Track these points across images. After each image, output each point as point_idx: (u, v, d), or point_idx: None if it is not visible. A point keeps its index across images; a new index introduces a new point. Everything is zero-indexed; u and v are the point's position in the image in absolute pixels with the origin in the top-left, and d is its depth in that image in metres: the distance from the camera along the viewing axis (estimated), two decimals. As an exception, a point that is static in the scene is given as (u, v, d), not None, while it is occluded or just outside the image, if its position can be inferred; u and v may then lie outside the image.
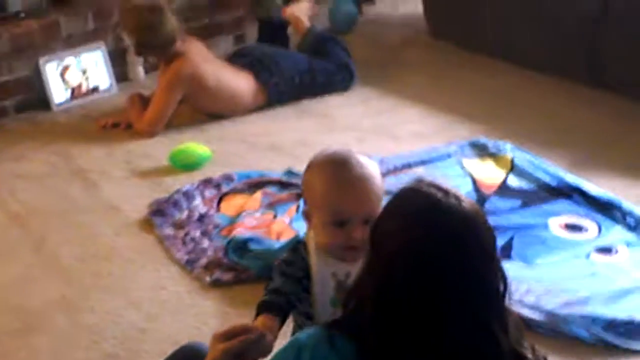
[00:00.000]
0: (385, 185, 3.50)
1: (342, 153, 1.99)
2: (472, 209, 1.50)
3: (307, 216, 2.01)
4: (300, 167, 3.77)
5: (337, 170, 1.93)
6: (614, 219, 3.43)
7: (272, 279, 2.00)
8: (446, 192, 1.50)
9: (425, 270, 1.46)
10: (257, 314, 1.94)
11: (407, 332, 1.47)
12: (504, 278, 1.52)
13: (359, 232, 1.91)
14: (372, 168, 1.96)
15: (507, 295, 1.53)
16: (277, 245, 3.13)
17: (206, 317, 2.90)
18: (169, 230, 3.39)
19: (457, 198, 1.50)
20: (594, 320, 2.80)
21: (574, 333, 2.78)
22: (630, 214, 3.43)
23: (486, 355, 1.48)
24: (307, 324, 2.00)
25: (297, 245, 2.03)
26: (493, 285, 1.51)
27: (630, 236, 3.33)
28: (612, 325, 2.80)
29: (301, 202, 3.48)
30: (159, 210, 3.50)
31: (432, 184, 1.52)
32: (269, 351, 1.76)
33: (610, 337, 2.76)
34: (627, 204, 3.48)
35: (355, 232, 1.91)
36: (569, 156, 3.94)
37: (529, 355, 1.54)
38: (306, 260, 1.98)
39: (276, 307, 1.95)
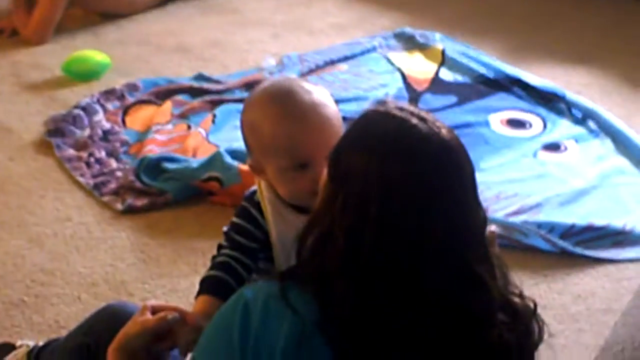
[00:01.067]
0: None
1: (283, 82, 1.65)
2: (452, 137, 1.27)
3: (255, 169, 1.64)
4: (212, 71, 3.54)
5: (283, 103, 1.57)
6: (558, 112, 3.22)
7: (221, 248, 1.67)
8: (421, 118, 1.26)
9: (403, 207, 1.23)
10: (199, 292, 1.63)
11: (381, 280, 1.23)
12: (484, 216, 1.30)
13: (324, 170, 1.57)
14: (320, 90, 1.61)
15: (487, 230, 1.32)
16: (194, 163, 2.79)
17: (122, 251, 2.56)
18: (69, 152, 3.02)
19: (435, 124, 1.26)
20: (552, 228, 2.56)
21: (531, 244, 2.53)
22: (576, 105, 3.21)
23: (474, 303, 1.26)
24: None
25: (247, 206, 1.66)
26: (477, 223, 1.28)
27: (577, 130, 3.13)
28: (570, 232, 2.57)
29: (217, 111, 3.15)
30: (56, 129, 3.12)
31: (403, 107, 1.27)
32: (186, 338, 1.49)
33: (570, 246, 2.53)
34: (571, 94, 3.26)
35: (322, 172, 1.55)
36: (502, 43, 3.73)
37: (517, 300, 1.33)
38: (262, 225, 1.64)
39: (222, 287, 1.61)
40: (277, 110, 1.57)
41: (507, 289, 1.32)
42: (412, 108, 1.28)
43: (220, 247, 1.67)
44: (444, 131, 1.25)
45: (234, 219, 1.67)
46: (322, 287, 1.25)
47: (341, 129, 1.58)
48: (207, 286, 1.62)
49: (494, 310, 1.27)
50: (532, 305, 1.35)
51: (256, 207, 1.64)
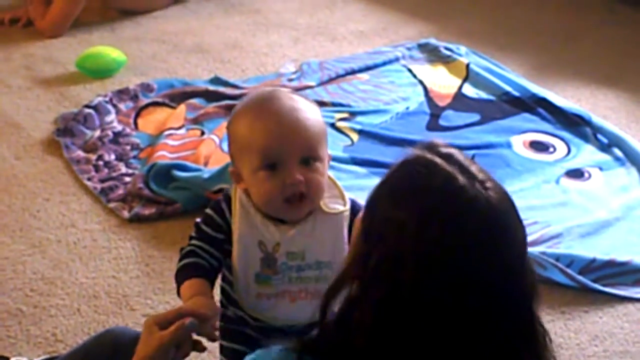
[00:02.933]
0: (328, 94, 3.26)
1: (267, 90, 1.66)
2: (502, 198, 1.16)
3: (235, 177, 1.63)
4: (229, 74, 3.46)
5: (261, 106, 1.59)
6: (583, 136, 3.12)
7: (191, 239, 1.66)
8: (470, 175, 1.15)
9: (442, 279, 1.13)
10: (180, 283, 1.61)
11: (407, 356, 1.14)
12: (533, 284, 1.19)
13: (295, 173, 1.54)
14: (304, 101, 1.61)
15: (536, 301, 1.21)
16: (206, 173, 2.70)
17: (126, 262, 2.48)
18: (78, 153, 2.94)
19: (482, 182, 1.15)
20: (571, 262, 2.48)
21: (549, 277, 2.44)
22: (602, 130, 3.11)
23: None
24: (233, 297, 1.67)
25: (220, 199, 1.66)
26: (523, 296, 1.18)
27: (602, 157, 3.03)
28: (590, 267, 2.48)
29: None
30: (66, 129, 3.04)
31: (451, 157, 1.17)
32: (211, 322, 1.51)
33: (589, 282, 2.45)
34: (597, 118, 3.16)
35: (292, 174, 1.54)
36: (528, 60, 3.65)
37: None
38: (228, 219, 1.62)
39: (200, 269, 1.60)
40: (254, 113, 1.58)
41: None
42: (461, 158, 1.18)
43: (190, 237, 1.66)
44: (492, 193, 1.15)
45: (206, 210, 1.67)
46: None
47: (321, 133, 1.58)
48: (186, 273, 1.60)
49: None
50: None
51: (226, 201, 1.63)
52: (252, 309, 1.63)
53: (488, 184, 1.15)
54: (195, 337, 1.47)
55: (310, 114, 1.58)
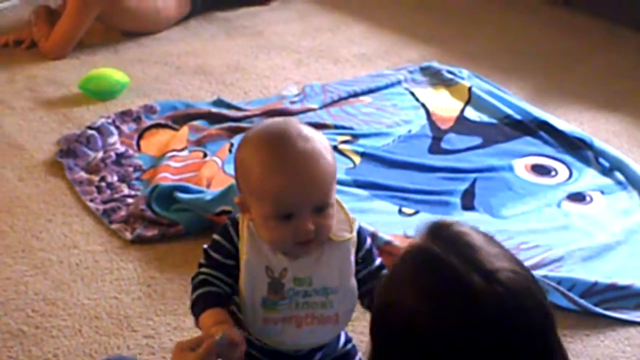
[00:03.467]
0: (330, 117, 3.26)
1: (280, 125, 1.60)
2: (509, 291, 1.07)
3: (242, 207, 1.62)
4: (232, 96, 3.47)
5: (275, 148, 1.54)
6: (585, 160, 3.12)
7: (200, 267, 1.67)
8: (473, 264, 1.08)
9: None
10: (198, 314, 1.60)
11: None
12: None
13: (308, 224, 1.53)
14: (318, 139, 1.57)
15: None
16: (208, 195, 2.70)
17: (128, 283, 2.48)
18: (81, 174, 2.94)
19: (489, 274, 1.07)
20: (573, 285, 2.47)
21: (551, 300, 2.43)
22: (604, 154, 3.11)
23: None
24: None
25: (227, 223, 1.65)
26: None
27: (604, 181, 3.02)
28: (592, 291, 2.47)
29: (235, 140, 3.07)
30: (69, 150, 3.05)
31: (455, 242, 1.10)
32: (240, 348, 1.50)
33: (591, 305, 2.43)
34: (599, 142, 3.16)
35: (305, 225, 1.53)
36: (530, 83, 3.66)
37: None
38: (236, 244, 1.62)
39: (216, 298, 1.60)
40: (267, 156, 1.54)
41: None
42: (465, 244, 1.10)
43: (199, 265, 1.67)
44: (500, 286, 1.06)
45: (214, 236, 1.65)
46: None
47: (333, 180, 1.56)
48: (203, 304, 1.59)
49: None
50: None
51: (234, 226, 1.62)
52: (259, 333, 1.63)
53: (498, 275, 1.07)
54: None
55: (323, 159, 1.54)
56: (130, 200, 2.80)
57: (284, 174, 1.52)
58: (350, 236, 1.63)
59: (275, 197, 1.52)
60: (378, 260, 1.69)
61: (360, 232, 1.65)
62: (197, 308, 1.60)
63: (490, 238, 1.13)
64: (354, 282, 1.64)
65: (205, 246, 1.67)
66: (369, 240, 1.68)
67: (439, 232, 1.13)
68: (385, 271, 1.67)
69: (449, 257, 1.09)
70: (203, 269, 1.64)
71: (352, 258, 1.63)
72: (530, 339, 1.08)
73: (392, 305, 1.12)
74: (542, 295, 1.11)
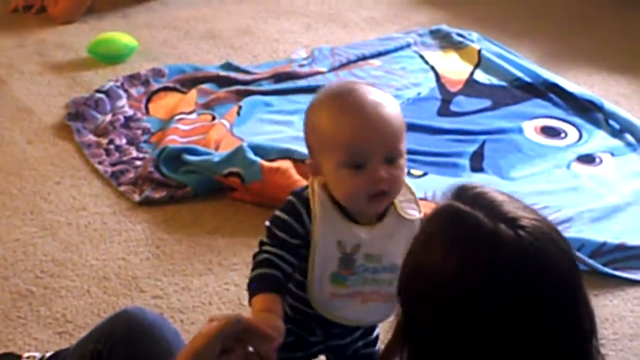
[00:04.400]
0: (339, 80, 3.25)
1: (347, 84, 1.63)
2: (537, 233, 1.08)
3: (313, 169, 1.60)
4: (240, 60, 3.46)
5: (343, 99, 1.55)
6: (595, 122, 3.11)
7: (263, 244, 1.61)
8: (495, 215, 1.09)
9: (485, 332, 1.08)
10: (252, 295, 1.56)
11: None
12: (590, 319, 1.13)
13: (381, 171, 1.52)
14: (385, 95, 1.58)
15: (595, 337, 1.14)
16: (216, 156, 2.70)
17: (136, 245, 2.48)
18: (89, 137, 2.95)
19: (512, 221, 1.08)
20: (582, 245, 2.46)
21: (560, 261, 2.43)
22: (614, 116, 3.10)
23: None
24: (298, 296, 1.63)
25: (294, 200, 1.61)
26: (577, 340, 1.12)
27: (614, 142, 3.01)
28: (601, 251, 2.47)
29: (243, 103, 3.06)
30: (77, 113, 3.05)
31: (478, 199, 1.11)
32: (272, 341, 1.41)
33: (599, 265, 2.43)
34: (609, 104, 3.14)
35: (378, 172, 1.52)
36: (540, 46, 3.63)
37: None
38: (306, 223, 1.58)
39: (274, 283, 1.55)
40: (338, 105, 1.55)
41: None
42: (488, 199, 1.11)
43: (262, 243, 1.61)
44: (525, 232, 1.07)
45: (278, 213, 1.61)
46: None
47: (402, 129, 1.55)
48: (259, 285, 1.55)
49: None
50: None
51: (304, 203, 1.59)
52: (323, 307, 1.61)
53: (521, 222, 1.08)
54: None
55: (391, 107, 1.55)
56: (138, 163, 2.80)
57: (355, 117, 1.53)
58: (419, 216, 1.62)
59: (347, 142, 1.52)
60: None
61: None
62: (253, 288, 1.56)
63: (511, 196, 1.14)
64: None
65: (267, 223, 1.61)
66: None
67: (462, 193, 1.15)
68: None
69: (473, 211, 1.10)
70: (267, 247, 1.59)
71: None
72: (554, 286, 1.08)
73: (419, 265, 1.13)
74: (567, 244, 1.12)
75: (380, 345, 1.76)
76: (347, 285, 1.59)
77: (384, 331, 1.68)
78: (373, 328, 1.74)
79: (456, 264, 1.08)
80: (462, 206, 1.11)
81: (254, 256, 1.60)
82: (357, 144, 1.52)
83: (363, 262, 1.59)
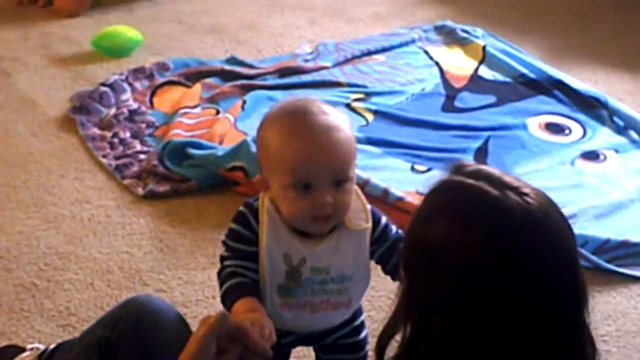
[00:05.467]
0: (344, 75, 3.25)
1: (301, 101, 1.59)
2: (541, 203, 1.10)
3: (262, 184, 1.59)
4: (245, 54, 3.46)
5: (294, 120, 1.53)
6: (599, 119, 3.11)
7: (224, 259, 1.60)
8: (499, 184, 1.10)
9: (493, 298, 1.08)
10: (230, 305, 1.53)
11: None
12: (584, 288, 1.15)
13: (326, 196, 1.51)
14: (338, 116, 1.56)
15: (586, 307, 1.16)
16: (220, 151, 2.70)
17: (140, 238, 2.48)
18: (93, 130, 2.95)
19: (516, 189, 1.10)
20: (585, 242, 2.45)
21: (563, 257, 2.43)
22: (618, 113, 3.09)
23: None
24: None
25: (244, 211, 1.61)
26: (572, 306, 1.13)
27: (618, 139, 3.01)
28: (604, 247, 2.46)
29: (247, 97, 3.07)
30: (81, 106, 3.05)
31: (479, 173, 1.13)
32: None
33: (603, 262, 2.42)
34: (613, 101, 3.14)
35: (323, 197, 1.51)
36: (545, 43, 3.62)
37: None
38: (256, 231, 1.58)
39: (248, 289, 1.54)
40: (287, 127, 1.53)
41: None
42: (489, 171, 1.13)
43: (222, 258, 1.61)
44: (530, 199, 1.09)
45: (231, 225, 1.61)
46: None
47: (351, 154, 1.54)
48: (235, 294, 1.53)
49: None
50: None
51: (253, 213, 1.59)
52: (275, 318, 1.58)
53: (524, 190, 1.10)
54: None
55: (342, 132, 1.53)
56: (142, 156, 2.80)
57: (303, 141, 1.50)
58: (367, 225, 1.61)
59: (294, 165, 1.50)
60: (394, 231, 1.67)
61: (374, 215, 1.64)
62: (229, 299, 1.54)
63: (505, 172, 1.15)
64: (368, 265, 1.64)
65: (222, 238, 1.62)
66: (383, 219, 1.65)
67: (460, 168, 1.16)
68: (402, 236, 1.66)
69: (477, 181, 1.11)
70: (228, 262, 1.58)
71: (367, 246, 1.62)
72: (559, 249, 1.10)
73: (425, 235, 1.13)
74: (562, 214, 1.14)
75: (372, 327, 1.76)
76: (295, 296, 1.59)
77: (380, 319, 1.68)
78: (355, 315, 1.74)
79: (463, 231, 1.08)
80: (464, 178, 1.13)
81: (218, 274, 1.59)
82: (303, 168, 1.50)
83: (309, 275, 1.58)
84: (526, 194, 1.09)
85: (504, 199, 1.08)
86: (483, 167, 1.14)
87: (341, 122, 1.54)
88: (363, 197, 1.64)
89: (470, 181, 1.12)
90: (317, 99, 1.61)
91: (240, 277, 1.56)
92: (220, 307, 2.17)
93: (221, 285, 1.57)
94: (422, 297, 1.12)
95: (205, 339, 1.26)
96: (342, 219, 1.58)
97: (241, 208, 1.61)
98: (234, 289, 1.55)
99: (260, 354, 1.32)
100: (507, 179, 1.11)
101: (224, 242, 1.61)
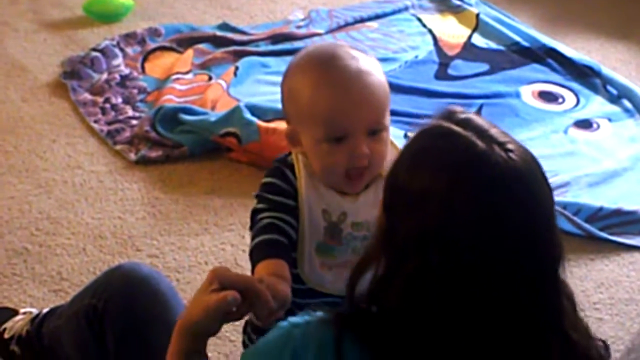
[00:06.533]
0: (336, 42, 3.22)
1: (328, 47, 1.51)
2: (525, 159, 1.10)
3: (292, 138, 1.50)
4: (237, 21, 3.43)
5: (325, 67, 1.43)
6: (593, 87, 3.10)
7: (258, 212, 1.49)
8: (487, 137, 1.10)
9: (469, 247, 1.08)
10: (256, 262, 1.44)
11: (442, 326, 1.10)
12: (560, 246, 1.14)
13: (363, 146, 1.42)
14: (368, 60, 1.46)
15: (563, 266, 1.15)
16: (213, 116, 2.69)
17: (132, 204, 2.47)
18: (85, 96, 2.92)
19: (503, 145, 1.09)
20: (579, 210, 2.46)
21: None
22: (612, 82, 3.08)
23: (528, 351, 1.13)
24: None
25: (279, 165, 1.52)
26: (548, 261, 1.12)
27: (611, 108, 3.01)
28: (597, 216, 2.46)
29: (240, 63, 3.05)
30: (73, 72, 3.02)
31: (466, 121, 1.12)
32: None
33: (596, 230, 2.42)
34: (607, 70, 3.13)
35: (360, 147, 1.42)
36: (539, 11, 3.60)
37: (582, 342, 1.18)
38: (295, 185, 1.50)
39: (279, 248, 1.44)
40: (317, 76, 1.43)
41: (573, 327, 1.17)
42: (479, 122, 1.12)
43: (256, 211, 1.49)
44: (515, 155, 1.09)
45: (267, 179, 1.51)
46: (383, 345, 1.11)
47: (387, 100, 1.45)
48: (263, 252, 1.43)
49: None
50: (602, 346, 1.22)
51: (290, 168, 1.50)
52: (314, 281, 1.52)
53: (510, 146, 1.09)
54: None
55: (375, 76, 1.43)
56: (134, 122, 2.78)
57: (336, 90, 1.41)
58: None
59: (327, 116, 1.41)
60: None
61: None
62: (256, 256, 1.44)
63: (494, 124, 1.14)
64: None
65: (256, 193, 1.51)
66: None
67: (451, 115, 1.14)
68: None
69: (465, 131, 1.10)
70: (264, 214, 1.47)
71: None
72: (537, 208, 1.10)
73: (409, 179, 1.12)
74: (544, 172, 1.13)
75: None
76: (335, 255, 1.51)
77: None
78: None
79: (446, 182, 1.08)
80: (454, 126, 1.12)
81: (251, 227, 1.49)
82: (337, 118, 1.41)
83: (351, 230, 1.50)
84: (511, 150, 1.08)
85: (490, 154, 1.07)
86: (473, 116, 1.13)
87: (372, 66, 1.45)
88: (399, 147, 1.53)
89: (460, 130, 1.10)
90: (343, 44, 1.52)
91: (275, 232, 1.45)
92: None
93: (253, 238, 1.46)
94: (398, 239, 1.11)
95: (210, 314, 1.22)
96: (376, 174, 1.48)
97: (275, 164, 1.52)
98: (264, 245, 1.44)
99: (262, 322, 1.30)
100: (494, 131, 1.11)
101: (258, 196, 1.50)
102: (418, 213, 1.08)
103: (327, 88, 1.41)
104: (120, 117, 2.81)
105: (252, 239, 1.47)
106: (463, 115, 1.13)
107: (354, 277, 1.17)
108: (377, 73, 1.44)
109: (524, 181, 1.08)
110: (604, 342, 1.23)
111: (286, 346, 1.14)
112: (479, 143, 1.08)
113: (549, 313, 1.12)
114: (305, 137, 1.45)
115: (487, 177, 1.07)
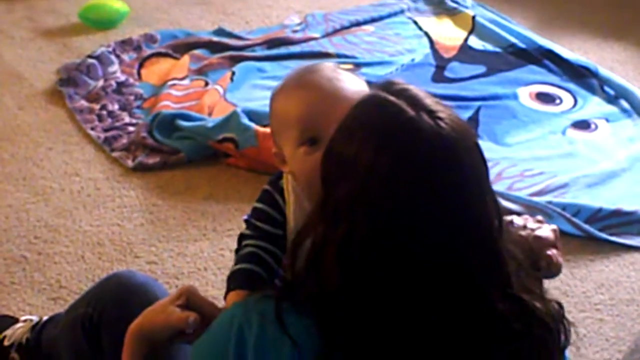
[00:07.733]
0: (333, 46, 3.23)
1: (312, 65, 1.51)
2: (454, 129, 1.11)
3: (278, 158, 1.49)
4: (233, 26, 3.43)
5: (300, 78, 1.45)
6: (590, 88, 3.10)
7: (244, 238, 1.51)
8: (418, 106, 1.11)
9: (395, 211, 1.09)
10: (228, 289, 1.46)
11: (378, 295, 1.11)
12: (495, 211, 1.14)
13: None
14: (347, 74, 1.46)
15: (502, 233, 1.16)
16: (210, 122, 2.68)
17: (130, 211, 2.46)
18: (81, 103, 2.92)
19: (432, 113, 1.11)
20: (578, 211, 2.45)
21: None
22: (609, 82, 3.08)
23: (476, 316, 1.14)
24: None
25: (270, 190, 1.52)
26: (480, 229, 1.12)
27: (609, 109, 3.00)
28: (596, 216, 2.46)
29: (236, 69, 3.05)
30: (69, 79, 3.02)
31: (403, 92, 1.13)
32: None
33: (595, 231, 2.42)
34: (604, 70, 3.13)
35: None
36: (535, 13, 3.60)
37: (537, 305, 1.19)
38: (284, 211, 1.49)
39: (255, 280, 1.44)
40: (293, 84, 1.45)
41: (525, 289, 1.18)
42: (413, 93, 1.13)
43: (243, 236, 1.51)
44: (444, 123, 1.10)
45: (257, 205, 1.51)
46: (322, 311, 1.12)
47: None
48: (239, 280, 1.44)
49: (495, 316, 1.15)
50: (556, 307, 1.22)
51: (279, 193, 1.49)
52: None
53: (440, 114, 1.11)
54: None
55: (352, 84, 1.42)
56: (131, 129, 2.78)
57: (307, 91, 1.42)
58: None
59: (299, 114, 1.40)
60: None
61: None
62: (232, 283, 1.45)
63: (432, 95, 1.16)
64: None
65: (245, 217, 1.52)
66: None
67: (389, 86, 1.16)
68: None
69: (397, 100, 1.12)
70: (249, 241, 1.48)
71: None
72: (465, 178, 1.11)
73: (341, 146, 1.14)
74: (477, 143, 1.15)
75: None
76: None
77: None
78: None
79: (373, 148, 1.10)
80: (387, 95, 1.14)
81: (236, 251, 1.51)
82: (309, 116, 1.39)
83: None
84: (440, 118, 1.10)
85: (417, 120, 1.09)
86: (411, 87, 1.15)
87: (352, 78, 1.45)
88: None
89: (392, 99, 1.12)
90: (332, 64, 1.52)
91: (255, 263, 1.46)
92: (211, 279, 2.21)
93: (235, 263, 1.48)
94: (331, 205, 1.13)
95: (169, 329, 1.30)
96: None
97: (266, 187, 1.52)
98: (240, 275, 1.46)
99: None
100: (428, 101, 1.12)
101: (247, 221, 1.51)
102: (348, 178, 1.11)
103: (299, 90, 1.43)
104: (117, 124, 2.80)
105: (234, 263, 1.49)
106: (400, 86, 1.15)
107: (294, 247, 1.19)
108: (354, 83, 1.43)
109: (450, 147, 1.09)
110: (558, 302, 1.23)
111: (231, 326, 1.16)
112: (409, 110, 1.10)
113: (488, 276, 1.12)
114: (286, 147, 1.44)
115: (411, 142, 1.09)
